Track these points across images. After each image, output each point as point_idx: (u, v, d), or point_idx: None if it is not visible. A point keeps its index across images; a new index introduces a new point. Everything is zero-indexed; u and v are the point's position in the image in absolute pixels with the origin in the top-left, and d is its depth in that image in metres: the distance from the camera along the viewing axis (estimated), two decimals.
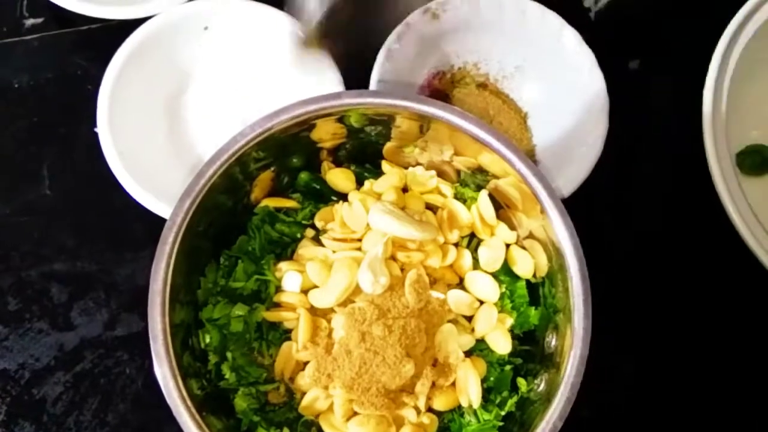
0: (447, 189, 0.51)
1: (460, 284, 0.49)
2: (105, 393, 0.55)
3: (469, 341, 0.48)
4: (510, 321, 0.49)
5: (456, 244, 0.49)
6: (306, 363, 0.47)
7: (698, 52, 0.58)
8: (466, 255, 0.49)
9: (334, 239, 0.48)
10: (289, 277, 0.48)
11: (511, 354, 0.49)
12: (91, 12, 0.56)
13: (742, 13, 0.58)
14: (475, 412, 0.47)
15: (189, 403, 0.43)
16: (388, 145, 0.51)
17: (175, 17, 0.56)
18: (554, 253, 0.46)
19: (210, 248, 0.48)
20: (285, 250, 0.50)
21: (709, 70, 0.57)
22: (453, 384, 0.47)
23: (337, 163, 0.52)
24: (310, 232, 0.50)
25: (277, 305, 0.48)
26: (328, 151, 0.51)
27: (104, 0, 0.56)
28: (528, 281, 0.50)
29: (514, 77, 0.60)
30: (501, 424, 0.47)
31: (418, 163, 0.52)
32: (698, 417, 0.57)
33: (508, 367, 0.49)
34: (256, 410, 0.47)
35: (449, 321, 0.48)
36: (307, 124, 0.47)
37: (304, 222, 0.50)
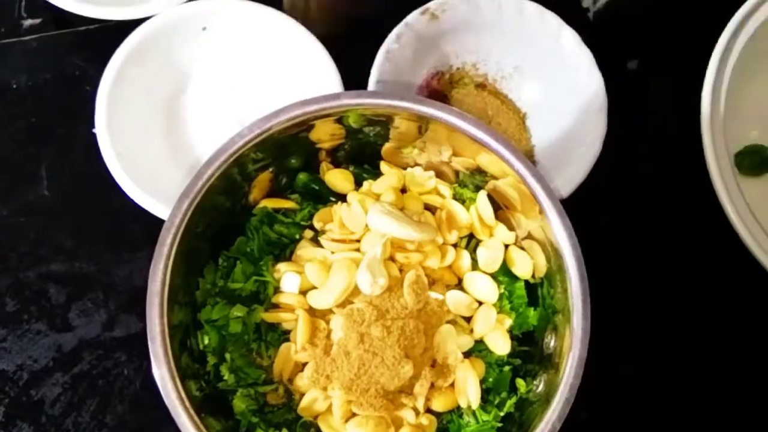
0: (446, 190, 0.51)
1: (459, 285, 0.49)
2: (103, 394, 0.55)
3: (467, 342, 0.48)
4: (509, 322, 0.49)
5: (455, 245, 0.49)
6: (305, 364, 0.47)
7: (697, 52, 0.58)
8: (465, 256, 0.49)
9: (333, 240, 0.48)
10: (287, 278, 0.48)
11: (510, 355, 0.49)
12: (90, 13, 0.56)
13: (740, 14, 0.58)
14: (473, 413, 0.47)
15: (187, 404, 0.43)
16: (387, 146, 0.51)
17: (174, 18, 0.56)
18: (553, 254, 0.46)
19: (208, 249, 0.48)
20: (283, 251, 0.50)
21: (708, 70, 0.57)
22: (452, 385, 0.47)
23: (336, 164, 0.52)
24: (308, 233, 0.50)
25: (276, 306, 0.48)
26: (326, 152, 0.51)
27: (102, 1, 0.56)
28: (527, 282, 0.50)
29: (512, 77, 0.60)
30: (500, 425, 0.47)
31: (417, 164, 0.52)
32: (698, 417, 0.57)
33: (506, 368, 0.49)
34: (255, 411, 0.47)
35: (448, 322, 0.48)
36: (305, 125, 0.46)
37: (302, 223, 0.50)
